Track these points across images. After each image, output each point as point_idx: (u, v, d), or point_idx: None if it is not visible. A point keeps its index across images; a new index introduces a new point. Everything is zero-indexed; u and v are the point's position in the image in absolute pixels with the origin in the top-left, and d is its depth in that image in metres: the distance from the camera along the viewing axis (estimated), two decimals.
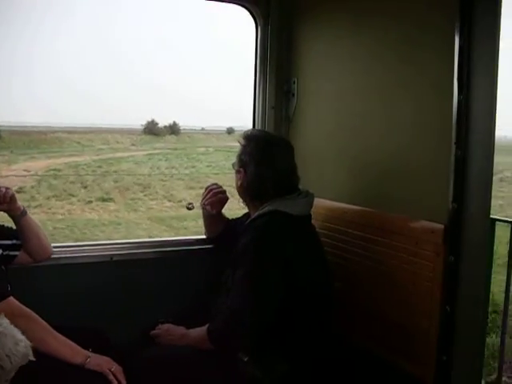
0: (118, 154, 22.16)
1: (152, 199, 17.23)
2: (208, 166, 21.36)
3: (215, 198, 2.72)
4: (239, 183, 2.50)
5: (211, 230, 2.88)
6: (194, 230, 12.09)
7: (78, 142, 23.81)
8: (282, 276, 2.26)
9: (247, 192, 2.49)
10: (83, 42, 39.88)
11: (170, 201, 17.17)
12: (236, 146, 2.55)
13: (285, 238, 2.31)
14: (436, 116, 2.22)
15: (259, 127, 3.11)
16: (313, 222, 2.55)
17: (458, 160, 2.10)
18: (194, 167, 21.16)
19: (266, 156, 2.41)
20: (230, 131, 28.06)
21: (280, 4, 3.10)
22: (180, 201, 16.70)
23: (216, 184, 2.79)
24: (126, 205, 16.57)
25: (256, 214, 2.42)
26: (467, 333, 2.18)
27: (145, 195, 17.47)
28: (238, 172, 2.50)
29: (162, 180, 19.05)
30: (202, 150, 24.52)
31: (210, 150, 24.48)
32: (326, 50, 2.86)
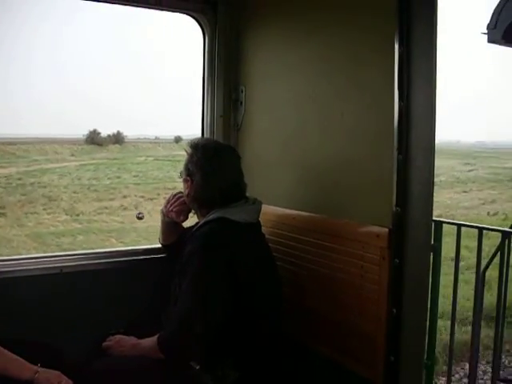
0: (50, 165, 21.78)
1: (49, 213, 16.88)
2: (135, 177, 21.27)
3: (183, 207, 2.68)
4: (186, 192, 2.51)
5: (167, 237, 2.85)
6: (65, 247, 11.94)
7: (13, 153, 23.31)
8: (228, 283, 2.27)
9: (194, 200, 2.50)
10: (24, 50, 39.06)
11: (67, 214, 16.83)
12: (180, 154, 2.55)
13: (230, 245, 2.31)
14: (378, 122, 2.27)
15: (208, 136, 3.12)
16: (262, 228, 2.57)
17: (400, 165, 2.15)
18: (118, 178, 20.94)
19: (212, 164, 2.43)
20: (177, 140, 27.92)
21: (227, 13, 3.11)
22: (78, 214, 16.59)
23: (181, 192, 2.75)
24: (17, 219, 16.12)
25: (202, 221, 2.43)
26: (413, 334, 2.24)
27: (44, 209, 17.14)
28: (185, 181, 2.50)
29: (75, 192, 18.81)
30: (141, 159, 24.34)
31: (149, 159, 24.31)
32: (273, 58, 2.89)
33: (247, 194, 2.50)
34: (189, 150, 2.48)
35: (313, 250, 2.55)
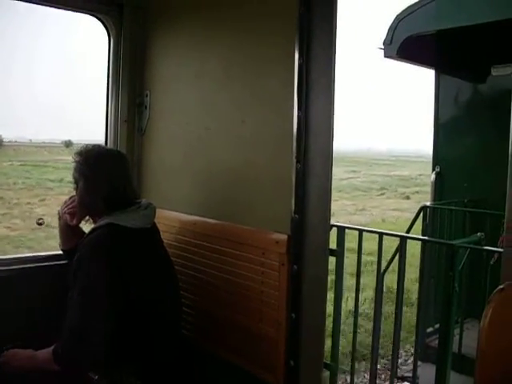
0: None
1: None
2: None
3: (76, 210, 2.61)
4: (76, 200, 2.48)
5: (65, 242, 2.74)
6: None
7: None
8: (118, 290, 2.23)
9: (82, 207, 2.47)
10: None
11: None
12: (64, 160, 2.50)
13: (118, 251, 2.28)
14: (278, 131, 2.30)
15: (112, 140, 3.07)
16: (164, 234, 2.56)
17: (298, 173, 2.20)
18: None
19: (94, 171, 2.40)
20: (67, 144, 26.95)
21: (133, 16, 3.07)
22: None
23: None
24: None
25: (91, 228, 2.38)
26: (312, 338, 2.29)
27: None
28: (74, 189, 2.48)
29: None
30: (7, 164, 23.08)
31: (15, 164, 23.14)
32: (179, 64, 2.88)
33: (144, 199, 2.49)
34: (75, 158, 2.44)
35: (215, 256, 2.56)
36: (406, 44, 4.65)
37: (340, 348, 3.56)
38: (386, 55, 4.76)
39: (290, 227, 2.24)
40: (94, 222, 2.45)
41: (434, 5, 4.51)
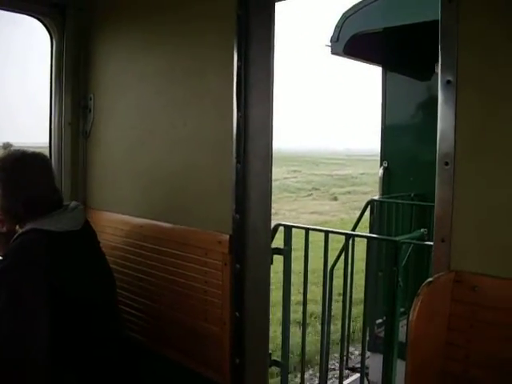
0: None
1: None
2: None
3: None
4: None
5: (1, 249, 2.70)
6: None
7: None
8: (45, 296, 2.16)
9: (4, 213, 2.36)
10: None
11: None
12: None
13: (43, 256, 2.19)
14: (219, 132, 2.34)
15: (55, 143, 3.03)
16: (110, 236, 2.55)
17: (239, 173, 2.24)
18: None
19: (11, 177, 2.31)
20: (6, 146, 26.33)
21: (76, 18, 3.04)
22: None
23: None
24: None
25: (15, 235, 2.32)
26: (256, 336, 2.34)
27: None
28: None
29: None
30: None
31: None
32: (122, 66, 2.87)
33: (73, 201, 2.42)
34: None
35: (160, 257, 2.57)
36: (352, 41, 4.74)
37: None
38: (333, 52, 4.85)
39: (232, 227, 2.27)
40: (20, 228, 2.35)
41: (380, 3, 4.61)
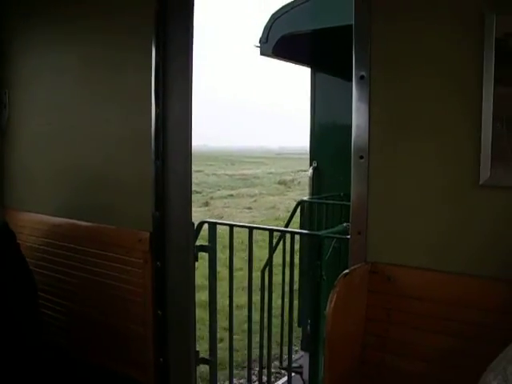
0: None
1: None
2: None
3: None
4: None
5: None
6: None
7: None
8: None
9: None
10: None
11: None
12: None
13: None
14: (138, 129, 2.31)
15: None
16: (28, 237, 2.47)
17: (158, 170, 2.21)
18: None
19: None
20: None
21: None
22: None
23: None
24: None
25: None
26: (180, 334, 2.31)
27: None
28: None
29: None
30: None
31: None
32: (39, 62, 2.78)
33: None
34: None
35: (81, 257, 2.51)
36: (281, 42, 4.75)
37: None
38: (262, 53, 4.84)
39: (152, 224, 2.24)
40: None
41: (308, 5, 4.65)
